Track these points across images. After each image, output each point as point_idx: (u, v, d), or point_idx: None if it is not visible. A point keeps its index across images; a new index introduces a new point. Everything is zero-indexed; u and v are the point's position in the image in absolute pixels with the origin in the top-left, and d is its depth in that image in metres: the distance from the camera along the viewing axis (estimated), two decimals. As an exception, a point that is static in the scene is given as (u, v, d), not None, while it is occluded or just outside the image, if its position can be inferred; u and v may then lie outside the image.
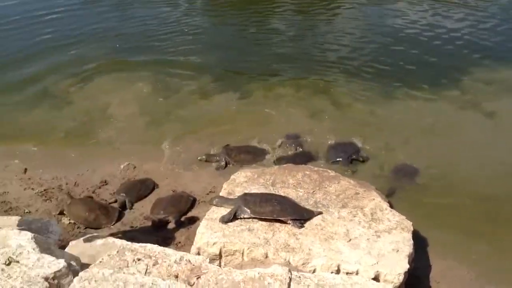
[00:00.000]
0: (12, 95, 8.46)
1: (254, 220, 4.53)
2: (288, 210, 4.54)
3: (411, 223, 4.62)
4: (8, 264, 3.09)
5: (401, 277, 4.01)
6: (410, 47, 10.01)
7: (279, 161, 6.45)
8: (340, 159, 6.45)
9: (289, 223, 4.48)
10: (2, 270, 3.04)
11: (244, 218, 4.54)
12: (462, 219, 5.48)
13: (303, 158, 6.53)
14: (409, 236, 4.44)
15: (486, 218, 5.52)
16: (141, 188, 6.06)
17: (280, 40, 10.63)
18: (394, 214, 4.73)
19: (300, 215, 4.55)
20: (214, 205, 4.82)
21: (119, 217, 5.68)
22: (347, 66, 9.29)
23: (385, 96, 8.20)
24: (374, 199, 4.94)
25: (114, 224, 5.60)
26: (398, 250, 4.23)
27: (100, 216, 5.59)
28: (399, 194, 5.83)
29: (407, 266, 4.10)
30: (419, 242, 4.89)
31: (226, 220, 4.49)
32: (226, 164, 6.53)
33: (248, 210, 4.53)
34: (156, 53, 10.09)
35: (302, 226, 4.45)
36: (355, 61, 9.49)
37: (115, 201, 5.87)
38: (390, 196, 5.56)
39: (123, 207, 5.80)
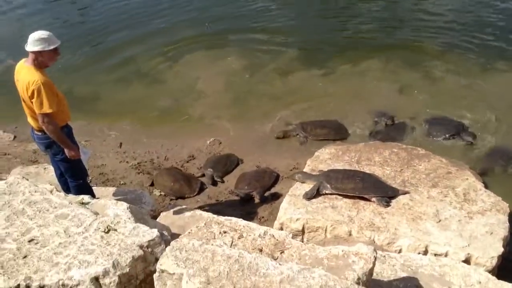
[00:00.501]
0: (109, 74, 9.01)
1: (338, 197, 4.48)
2: (371, 188, 4.44)
3: (508, 205, 4.32)
4: (107, 232, 3.33)
5: (494, 261, 3.78)
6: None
7: (375, 136, 6.34)
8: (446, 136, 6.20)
9: (373, 201, 4.38)
10: (102, 237, 3.29)
11: (326, 194, 4.52)
12: None
13: (398, 133, 6.36)
14: (505, 218, 4.16)
15: None
16: (227, 163, 6.24)
17: (367, 11, 10.23)
18: (489, 195, 4.44)
19: (384, 193, 4.44)
20: (296, 180, 4.84)
21: (201, 189, 5.93)
22: (440, 36, 8.76)
23: (483, 69, 7.64)
24: (467, 178, 4.68)
25: (196, 195, 5.85)
26: (492, 233, 3.99)
27: (184, 186, 5.87)
28: (496, 174, 5.45)
29: (502, 249, 3.86)
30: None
31: (309, 196, 4.49)
32: (306, 138, 6.52)
33: (329, 186, 4.50)
34: (242, 31, 10.21)
35: (388, 205, 4.33)
36: (449, 32, 8.95)
37: (203, 175, 6.10)
38: (483, 176, 5.23)
39: (213, 182, 5.99)
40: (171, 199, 5.79)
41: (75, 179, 4.47)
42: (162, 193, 5.87)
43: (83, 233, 3.33)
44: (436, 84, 7.46)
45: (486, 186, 4.70)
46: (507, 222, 4.13)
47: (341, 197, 4.47)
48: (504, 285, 3.30)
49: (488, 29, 8.83)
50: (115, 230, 3.36)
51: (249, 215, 5.25)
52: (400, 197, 4.43)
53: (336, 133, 6.60)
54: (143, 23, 11.02)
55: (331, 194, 4.52)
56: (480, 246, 3.87)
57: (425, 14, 9.80)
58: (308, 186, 4.63)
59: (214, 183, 6.00)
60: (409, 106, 7.00)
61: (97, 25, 11.24)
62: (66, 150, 4.18)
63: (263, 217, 5.28)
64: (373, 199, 4.40)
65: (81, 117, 7.22)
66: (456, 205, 4.31)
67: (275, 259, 2.85)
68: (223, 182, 6.00)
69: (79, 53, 9.85)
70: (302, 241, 4.12)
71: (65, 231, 3.34)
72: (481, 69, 7.62)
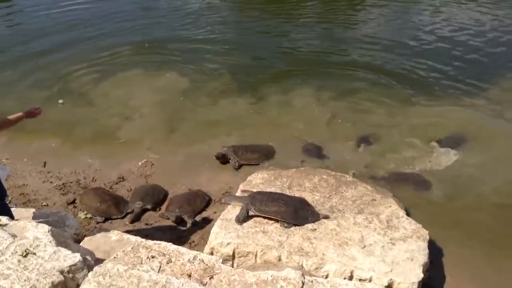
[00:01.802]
0: (37, 91, 8.62)
1: (269, 222, 4.52)
2: (292, 214, 4.52)
3: (428, 232, 4.55)
4: (25, 256, 3.13)
5: (415, 286, 3.95)
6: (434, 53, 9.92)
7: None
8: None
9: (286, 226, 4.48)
10: (19, 261, 3.08)
11: (251, 216, 4.56)
12: (481, 233, 5.35)
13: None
14: (424, 245, 4.38)
15: (506, 233, 5.39)
16: (154, 193, 5.97)
17: (304, 44, 10.61)
18: (411, 222, 4.67)
19: (305, 220, 4.54)
20: (224, 203, 4.88)
21: (130, 212, 5.72)
22: (370, 72, 9.21)
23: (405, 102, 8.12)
24: (390, 206, 4.89)
25: (124, 216, 5.67)
26: (412, 259, 4.18)
27: (111, 206, 5.67)
28: (418, 202, 5.74)
29: (421, 275, 4.04)
30: (435, 252, 4.82)
31: (241, 219, 4.51)
32: (238, 162, 6.53)
33: (254, 208, 4.57)
34: (179, 48, 10.26)
35: (289, 227, 4.43)
36: (378, 66, 9.40)
37: (132, 211, 5.71)
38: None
39: (179, 223, 5.56)
40: (97, 222, 5.56)
41: (-8, 199, 4.18)
42: (88, 216, 5.62)
43: (-2, 257, 3.10)
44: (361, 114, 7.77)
45: (407, 214, 4.93)
46: (427, 249, 4.34)
47: (272, 222, 4.52)
48: (423, 309, 3.44)
49: (410, 64, 9.42)
50: (34, 254, 3.16)
51: (180, 239, 5.15)
52: (328, 222, 4.54)
53: (267, 157, 6.68)
54: (74, 35, 10.82)
55: (255, 216, 4.56)
56: (401, 272, 4.03)
57: (355, 49, 10.29)
58: (239, 210, 4.64)
59: (139, 218, 5.66)
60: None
61: (24, 38, 10.86)
62: None
63: (193, 241, 5.20)
64: (285, 224, 4.48)
65: (2, 134, 6.81)
66: (380, 231, 4.48)
67: (204, 285, 2.82)
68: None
69: (6, 66, 9.41)
70: (232, 266, 4.09)
71: (-22, 255, 3.10)
72: (403, 101, 8.08)
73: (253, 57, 10.02)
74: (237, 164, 6.52)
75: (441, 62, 9.41)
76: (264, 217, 4.55)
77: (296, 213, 4.55)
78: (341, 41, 10.67)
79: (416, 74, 9.03)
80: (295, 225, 4.48)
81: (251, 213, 4.56)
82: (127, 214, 5.72)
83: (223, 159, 6.60)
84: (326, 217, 4.61)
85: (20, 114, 4.16)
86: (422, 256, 4.23)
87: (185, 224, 5.52)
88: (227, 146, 6.71)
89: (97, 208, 5.62)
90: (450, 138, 7.02)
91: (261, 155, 6.68)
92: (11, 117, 4.08)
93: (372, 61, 9.55)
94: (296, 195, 4.97)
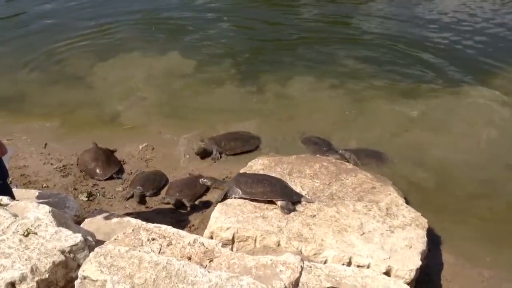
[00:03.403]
0: (35, 73, 8.59)
1: (269, 207, 4.54)
2: (278, 192, 4.59)
3: (427, 220, 4.58)
4: (26, 235, 3.15)
5: (413, 274, 3.99)
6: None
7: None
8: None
9: (278, 204, 4.53)
10: (20, 241, 3.10)
11: (235, 198, 4.62)
12: (479, 220, 5.40)
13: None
14: (423, 233, 4.41)
15: (505, 220, 5.43)
16: (155, 180, 5.96)
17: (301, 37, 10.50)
18: (410, 211, 4.69)
19: (289, 197, 4.61)
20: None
21: (118, 177, 6.03)
22: (380, 56, 9.19)
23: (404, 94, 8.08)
24: (390, 194, 4.91)
25: (105, 179, 5.96)
26: (411, 247, 4.21)
27: (96, 168, 5.95)
28: (417, 190, 5.77)
29: (419, 263, 4.07)
30: (433, 240, 4.86)
31: (217, 200, 4.62)
32: (221, 154, 6.43)
33: (240, 191, 4.62)
34: (184, 32, 10.21)
35: (290, 213, 4.46)
36: (375, 58, 9.31)
37: (132, 196, 5.72)
38: None
39: (141, 199, 5.66)
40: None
41: (-6, 179, 4.19)
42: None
43: (-1, 236, 3.12)
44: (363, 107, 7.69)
45: (407, 202, 4.96)
46: (425, 237, 4.37)
47: (272, 207, 4.53)
48: (420, 296, 3.48)
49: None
50: (35, 233, 3.18)
51: (180, 223, 5.18)
52: (328, 209, 4.56)
53: (249, 144, 6.60)
54: (77, 17, 10.75)
55: (239, 198, 4.61)
56: (399, 259, 4.06)
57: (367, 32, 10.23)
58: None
59: (143, 202, 5.69)
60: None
61: (25, 17, 10.80)
62: None
63: (193, 225, 5.23)
64: (278, 203, 4.53)
65: (3, 115, 6.82)
66: (379, 219, 4.51)
67: (204, 267, 2.83)
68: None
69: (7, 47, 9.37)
70: (232, 250, 4.12)
71: (-21, 234, 3.12)
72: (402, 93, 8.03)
73: (259, 40, 9.96)
74: (219, 156, 6.38)
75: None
76: (251, 200, 4.60)
77: (282, 192, 4.62)
78: (352, 28, 10.60)
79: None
80: (294, 203, 4.56)
81: (236, 196, 4.62)
82: (111, 177, 6.00)
83: (205, 154, 6.42)
84: (309, 200, 4.68)
85: None
86: (420, 244, 4.26)
87: (185, 208, 5.54)
88: (207, 139, 6.55)
89: (87, 167, 6.02)
90: None
91: (243, 143, 6.59)
92: None
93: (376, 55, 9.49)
94: (296, 181, 4.98)
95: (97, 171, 5.99)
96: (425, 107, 7.61)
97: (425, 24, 10.75)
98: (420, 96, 7.93)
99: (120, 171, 6.19)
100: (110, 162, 6.13)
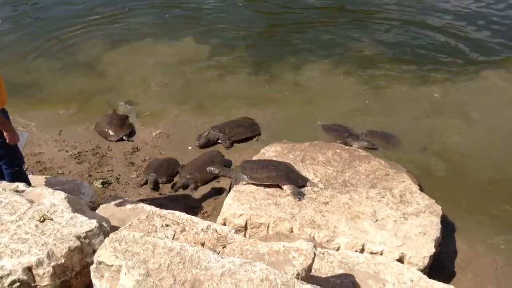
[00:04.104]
0: (48, 60, 8.64)
1: (281, 194, 4.55)
2: (283, 176, 4.64)
3: (441, 207, 4.56)
4: (43, 221, 3.19)
5: (426, 261, 3.98)
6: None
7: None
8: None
9: (284, 189, 4.57)
10: (37, 226, 3.15)
11: (243, 184, 4.66)
12: (494, 208, 5.35)
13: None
14: (437, 220, 4.39)
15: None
16: (169, 167, 5.97)
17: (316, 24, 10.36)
18: (424, 198, 4.66)
19: (295, 182, 4.64)
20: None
21: (128, 139, 6.55)
22: (394, 43, 9.06)
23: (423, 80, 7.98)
24: (404, 181, 4.88)
25: (117, 140, 6.47)
26: (425, 234, 4.19)
27: (110, 130, 6.57)
28: (432, 177, 5.72)
29: (433, 250, 4.06)
30: (447, 227, 4.82)
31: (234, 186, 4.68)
32: (229, 141, 6.40)
33: (246, 177, 4.68)
34: (197, 21, 10.14)
35: (301, 199, 4.49)
36: (392, 46, 9.18)
37: (146, 183, 5.75)
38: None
39: (155, 186, 5.68)
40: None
41: (10, 166, 4.24)
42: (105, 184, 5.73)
43: (16, 221, 3.17)
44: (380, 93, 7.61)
45: (421, 189, 4.93)
46: (439, 224, 4.36)
47: (284, 195, 4.54)
48: (435, 284, 3.47)
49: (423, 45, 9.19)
50: (51, 219, 3.23)
51: (193, 210, 5.21)
52: (341, 196, 4.56)
53: (252, 130, 6.61)
54: (89, 3, 10.77)
55: (247, 184, 4.66)
56: (413, 246, 4.05)
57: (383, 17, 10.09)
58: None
59: (157, 188, 5.71)
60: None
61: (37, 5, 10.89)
62: (5, 134, 3.96)
63: (206, 211, 5.26)
64: (286, 189, 4.56)
65: (18, 103, 6.87)
66: (393, 206, 4.49)
67: (217, 253, 2.85)
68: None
69: (20, 35, 9.42)
70: (245, 237, 4.14)
71: (-4, 219, 3.17)
72: (422, 80, 7.93)
73: (273, 25, 9.88)
74: (228, 143, 6.38)
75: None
76: (257, 184, 4.64)
77: (288, 176, 4.67)
78: (367, 12, 10.46)
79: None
80: (300, 187, 4.60)
81: (243, 182, 4.67)
82: (122, 139, 6.52)
83: (208, 144, 6.41)
84: (314, 185, 4.70)
85: (12, 128, 4.01)
86: (434, 231, 4.24)
87: (196, 195, 5.57)
88: (210, 128, 6.53)
89: (102, 129, 6.63)
90: None
91: (246, 129, 6.59)
92: (6, 121, 3.97)
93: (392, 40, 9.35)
94: (309, 168, 4.98)
95: (110, 132, 6.57)
96: (443, 92, 7.54)
97: (442, 7, 10.56)
98: (438, 81, 7.86)
99: (131, 134, 6.69)
100: (123, 126, 6.68)
